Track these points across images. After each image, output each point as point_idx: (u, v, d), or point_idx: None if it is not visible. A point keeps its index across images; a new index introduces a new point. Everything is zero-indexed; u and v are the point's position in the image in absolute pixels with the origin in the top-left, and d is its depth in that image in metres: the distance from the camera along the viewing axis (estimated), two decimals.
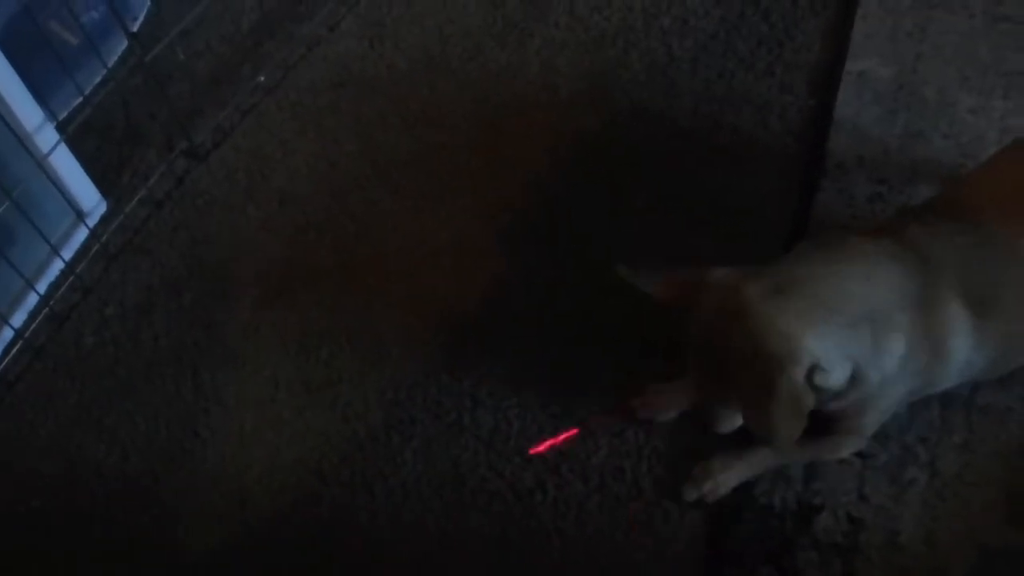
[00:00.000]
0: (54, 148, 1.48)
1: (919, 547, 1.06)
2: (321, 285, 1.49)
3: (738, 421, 1.08)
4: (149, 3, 1.89)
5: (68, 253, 1.57)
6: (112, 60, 1.77)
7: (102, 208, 1.63)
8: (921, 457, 1.12)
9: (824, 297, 0.96)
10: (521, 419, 1.30)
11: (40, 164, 1.47)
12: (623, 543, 1.16)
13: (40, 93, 1.50)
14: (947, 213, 1.08)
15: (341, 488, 1.29)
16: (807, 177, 1.46)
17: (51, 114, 1.58)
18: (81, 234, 1.60)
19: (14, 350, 1.49)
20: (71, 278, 1.55)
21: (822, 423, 1.06)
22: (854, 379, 0.99)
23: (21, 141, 1.44)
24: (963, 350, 1.03)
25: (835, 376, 0.96)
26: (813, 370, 0.94)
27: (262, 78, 1.76)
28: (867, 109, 1.48)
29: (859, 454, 1.14)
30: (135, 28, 1.81)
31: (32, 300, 1.53)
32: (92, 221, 1.61)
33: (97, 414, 1.41)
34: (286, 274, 1.51)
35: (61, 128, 1.54)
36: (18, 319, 1.51)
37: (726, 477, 1.15)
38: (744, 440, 1.13)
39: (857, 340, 0.97)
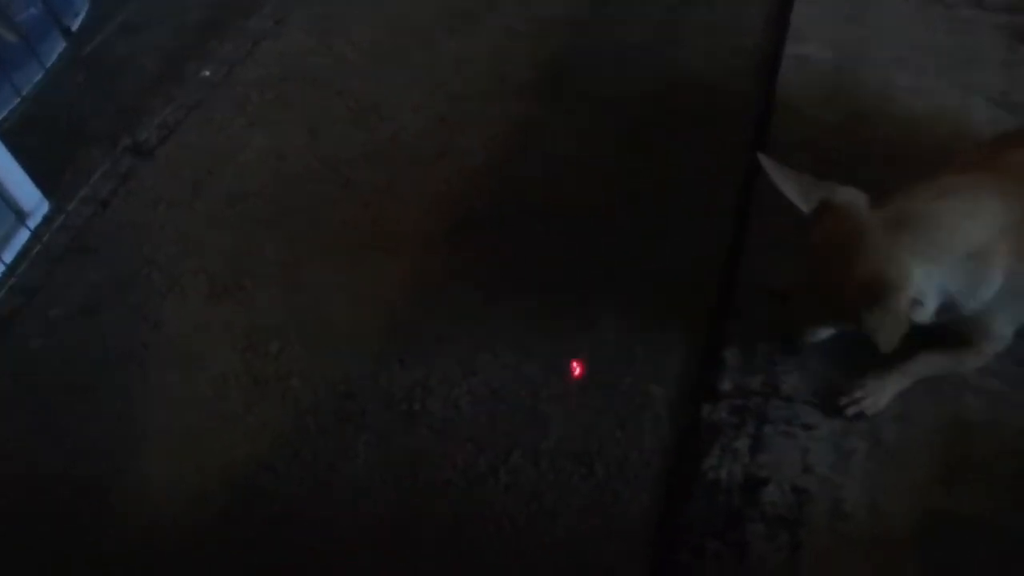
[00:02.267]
0: None
1: (863, 515, 1.08)
2: (270, 280, 1.48)
3: (822, 334, 1.16)
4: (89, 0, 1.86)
5: (9, 255, 1.54)
6: (52, 58, 1.74)
7: (44, 208, 1.60)
8: (862, 426, 1.14)
9: (936, 235, 1.06)
10: (472, 406, 1.30)
11: None
12: (574, 524, 1.16)
13: None
14: None
15: (295, 483, 1.27)
16: (753, 158, 1.48)
17: None
18: (23, 236, 1.57)
19: None
20: (12, 280, 1.51)
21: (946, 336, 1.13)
22: (946, 307, 1.07)
23: None
24: None
25: (927, 310, 1.06)
26: (914, 302, 1.04)
27: (207, 73, 1.74)
28: (809, 91, 1.51)
29: (803, 425, 1.16)
30: (76, 25, 1.79)
31: None
32: (34, 222, 1.58)
33: (47, 418, 1.38)
34: (235, 270, 1.50)
35: None
36: None
37: (883, 389, 1.17)
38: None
39: (960, 276, 1.06)
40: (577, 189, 1.51)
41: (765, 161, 1.13)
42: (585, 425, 1.26)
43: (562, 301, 1.38)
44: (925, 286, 1.05)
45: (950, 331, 1.14)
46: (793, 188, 1.12)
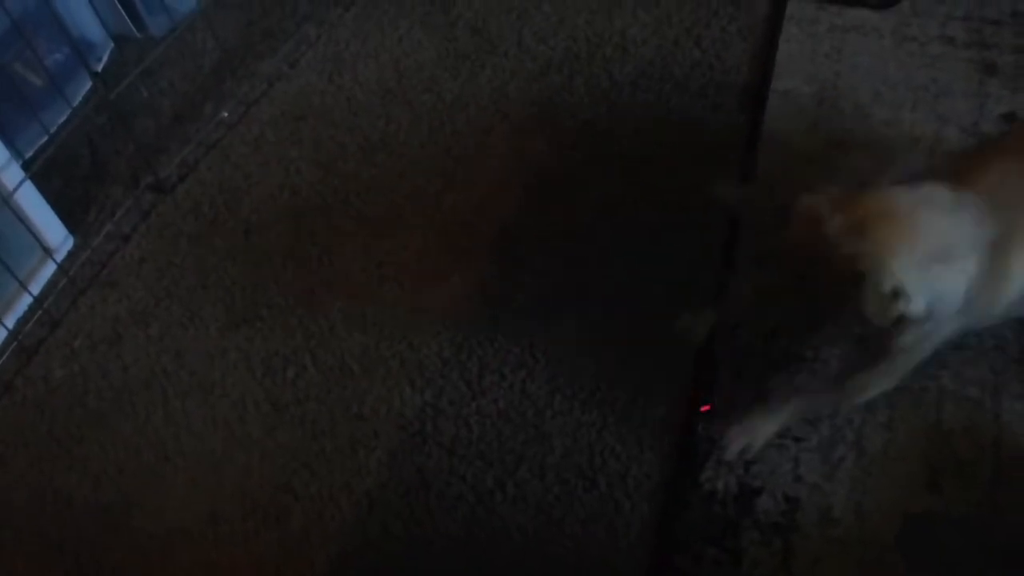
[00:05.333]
0: (19, 186, 1.53)
1: (850, 519, 1.14)
2: (286, 308, 1.55)
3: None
4: (112, 44, 1.96)
5: (36, 288, 1.60)
6: (77, 100, 1.83)
7: (69, 244, 1.67)
8: (848, 437, 1.21)
9: (908, 228, 1.04)
10: (480, 425, 1.36)
11: (6, 202, 1.51)
12: (579, 535, 1.22)
13: (6, 132, 1.55)
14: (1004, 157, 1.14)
15: (311, 502, 1.33)
16: (738, 186, 1.57)
17: (16, 153, 1.63)
18: (49, 269, 1.63)
19: None
20: (39, 313, 1.58)
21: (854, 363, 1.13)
22: (927, 308, 1.04)
23: None
24: (1015, 294, 1.09)
25: (917, 304, 1.02)
26: (896, 295, 1.01)
27: (225, 114, 1.83)
28: (792, 123, 1.60)
29: (794, 437, 1.23)
30: (99, 68, 1.88)
31: (0, 335, 1.55)
32: (60, 256, 1.64)
33: (68, 445, 1.43)
34: (252, 300, 1.57)
35: (27, 167, 1.59)
36: None
37: (761, 430, 1.20)
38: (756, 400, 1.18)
39: (932, 274, 1.04)
40: (575, 218, 1.59)
41: (721, 191, 1.13)
42: (588, 441, 1.32)
43: (562, 324, 1.45)
44: (904, 275, 1.02)
45: (864, 351, 1.13)
46: (755, 202, 1.13)
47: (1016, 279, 1.10)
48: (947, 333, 1.14)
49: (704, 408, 1.26)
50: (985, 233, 1.08)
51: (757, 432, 1.21)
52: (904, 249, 1.03)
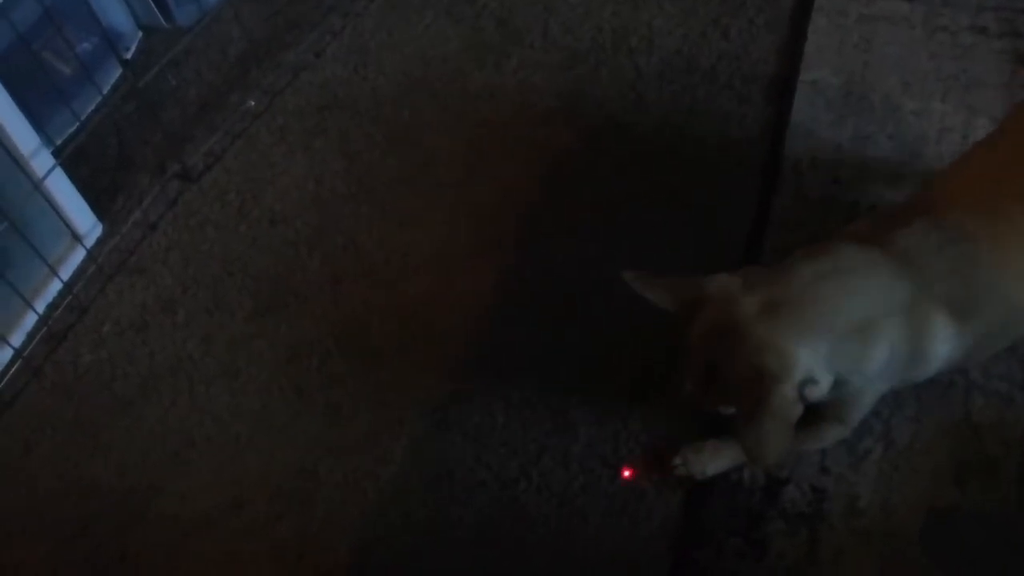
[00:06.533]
0: (49, 172, 1.55)
1: (876, 511, 1.13)
2: (310, 297, 1.56)
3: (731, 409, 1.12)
4: (140, 34, 1.98)
5: (65, 274, 1.63)
6: (105, 89, 1.85)
7: (98, 231, 1.69)
8: (876, 429, 1.20)
9: (815, 313, 1.02)
10: (504, 413, 1.37)
11: (37, 188, 1.53)
12: (602, 523, 1.22)
13: (36, 120, 1.57)
14: (924, 212, 1.10)
15: (335, 488, 1.34)
16: (765, 179, 1.56)
17: (47, 140, 1.65)
18: (78, 256, 1.65)
19: (12, 369, 1.53)
20: (68, 298, 1.60)
21: (807, 414, 1.10)
22: (836, 383, 1.04)
23: (19, 165, 1.50)
24: (944, 352, 1.08)
25: (822, 387, 1.01)
26: (804, 384, 0.99)
27: (252, 103, 1.84)
28: (820, 115, 1.58)
29: None
30: (127, 57, 1.90)
31: (30, 321, 1.58)
32: (88, 243, 1.67)
33: (94, 430, 1.45)
34: (277, 288, 1.58)
35: (57, 154, 1.61)
36: (17, 339, 1.56)
37: (714, 462, 1.20)
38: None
39: (844, 352, 1.02)
40: (600, 210, 1.58)
41: (629, 277, 1.09)
42: (613, 430, 1.32)
43: (586, 314, 1.44)
44: (814, 364, 1.00)
45: (812, 410, 1.10)
46: (661, 292, 1.07)
47: (939, 338, 1.06)
48: (884, 389, 1.13)
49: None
50: (900, 294, 1.04)
51: (707, 466, 1.20)
52: (812, 335, 1.00)
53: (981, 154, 1.19)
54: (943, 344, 1.07)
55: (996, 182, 1.10)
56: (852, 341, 1.02)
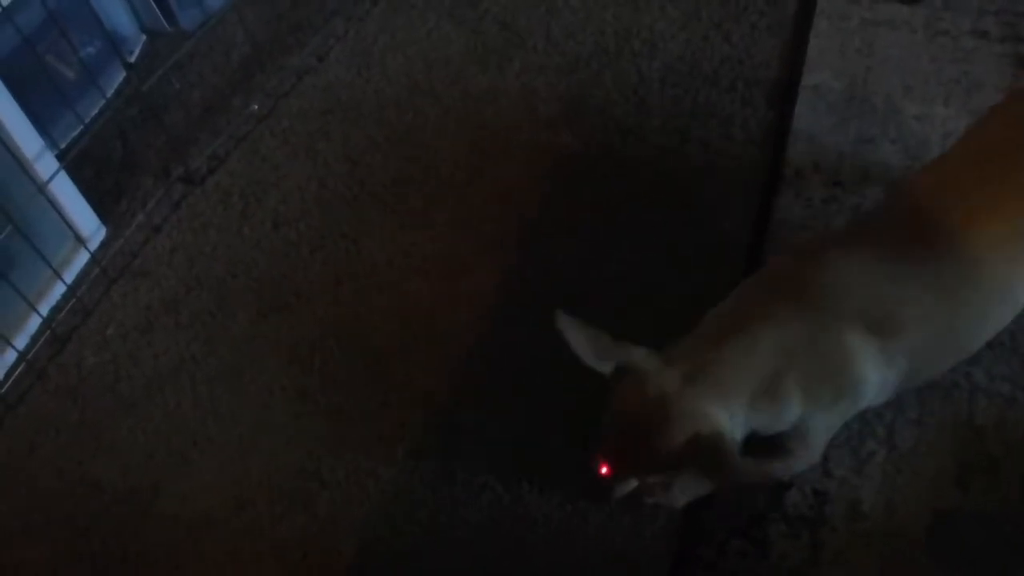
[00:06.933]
0: (54, 175, 1.55)
1: (879, 514, 1.13)
2: (313, 298, 1.56)
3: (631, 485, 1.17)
4: (144, 37, 1.99)
5: (69, 277, 1.63)
6: (108, 92, 1.86)
7: (102, 234, 1.70)
8: (879, 432, 1.20)
9: (726, 381, 1.06)
10: (506, 413, 1.37)
11: (41, 191, 1.54)
12: (604, 523, 1.22)
13: (40, 123, 1.58)
14: (893, 218, 1.13)
15: (337, 488, 1.34)
16: (768, 182, 1.56)
17: (51, 143, 1.66)
18: (82, 259, 1.66)
19: (17, 372, 1.53)
20: (72, 301, 1.60)
21: (772, 443, 1.14)
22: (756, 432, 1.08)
23: (23, 168, 1.51)
24: (873, 372, 1.08)
25: (737, 442, 1.06)
26: (725, 443, 1.03)
27: (255, 107, 1.85)
28: (822, 119, 1.59)
29: None
30: (131, 60, 1.91)
31: (34, 323, 1.58)
32: (92, 246, 1.67)
33: (97, 431, 1.45)
34: (279, 289, 1.58)
35: (61, 157, 1.61)
36: (21, 342, 1.56)
37: (685, 491, 1.20)
38: None
39: (758, 412, 1.07)
40: (601, 212, 1.59)
41: (561, 320, 1.12)
42: None
43: (588, 316, 1.44)
44: (730, 427, 1.06)
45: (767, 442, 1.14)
46: (588, 351, 1.11)
47: (860, 357, 1.07)
48: (836, 418, 1.14)
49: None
50: (799, 331, 1.07)
51: (677, 498, 1.21)
52: (726, 401, 1.06)
53: (956, 155, 1.21)
54: (868, 362, 1.07)
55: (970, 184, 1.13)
56: (763, 403, 1.07)
